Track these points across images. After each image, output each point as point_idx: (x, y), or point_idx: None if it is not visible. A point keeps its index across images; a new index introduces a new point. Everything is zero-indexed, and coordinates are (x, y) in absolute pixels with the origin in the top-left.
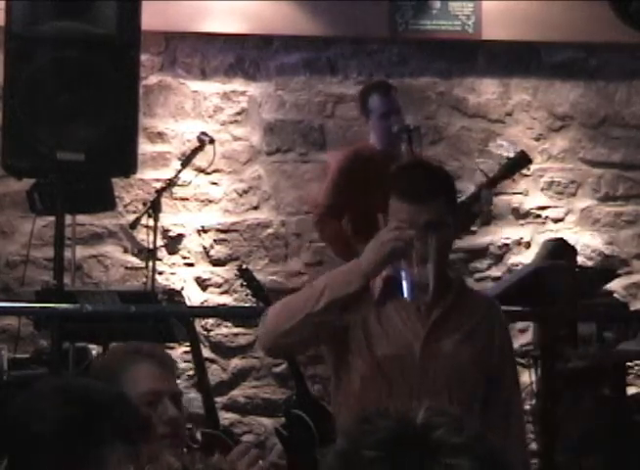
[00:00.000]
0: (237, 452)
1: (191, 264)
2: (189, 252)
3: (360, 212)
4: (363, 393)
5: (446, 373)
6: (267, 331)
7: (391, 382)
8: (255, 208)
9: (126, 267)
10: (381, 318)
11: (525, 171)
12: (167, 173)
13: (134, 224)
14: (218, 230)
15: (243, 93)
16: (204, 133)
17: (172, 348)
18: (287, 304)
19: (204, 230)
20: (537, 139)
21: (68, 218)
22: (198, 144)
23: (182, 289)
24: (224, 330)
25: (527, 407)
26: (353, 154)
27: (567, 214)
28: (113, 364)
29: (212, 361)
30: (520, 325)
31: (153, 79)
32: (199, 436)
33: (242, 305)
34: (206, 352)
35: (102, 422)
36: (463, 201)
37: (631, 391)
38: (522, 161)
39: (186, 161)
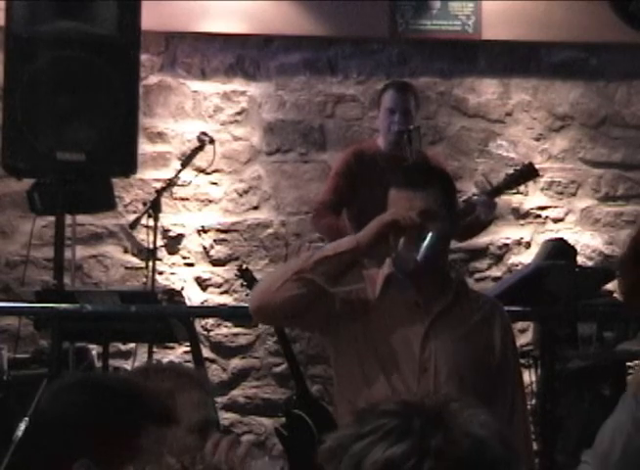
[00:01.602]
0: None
1: (191, 264)
2: (189, 252)
3: (360, 213)
4: (363, 389)
5: (446, 370)
6: (258, 291)
7: (391, 379)
8: (255, 208)
9: (126, 267)
10: (381, 315)
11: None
12: (167, 173)
13: (134, 224)
14: (218, 230)
15: (243, 93)
16: (204, 133)
17: (172, 348)
18: (279, 268)
19: (204, 230)
20: (537, 139)
21: (69, 218)
22: (198, 144)
23: (182, 289)
24: (224, 330)
25: (528, 407)
26: (352, 155)
27: (567, 214)
28: (165, 386)
29: (212, 361)
30: (520, 325)
31: (153, 79)
32: None
33: (242, 305)
34: (206, 352)
35: (132, 408)
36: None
37: None
38: (528, 174)
39: (186, 161)
